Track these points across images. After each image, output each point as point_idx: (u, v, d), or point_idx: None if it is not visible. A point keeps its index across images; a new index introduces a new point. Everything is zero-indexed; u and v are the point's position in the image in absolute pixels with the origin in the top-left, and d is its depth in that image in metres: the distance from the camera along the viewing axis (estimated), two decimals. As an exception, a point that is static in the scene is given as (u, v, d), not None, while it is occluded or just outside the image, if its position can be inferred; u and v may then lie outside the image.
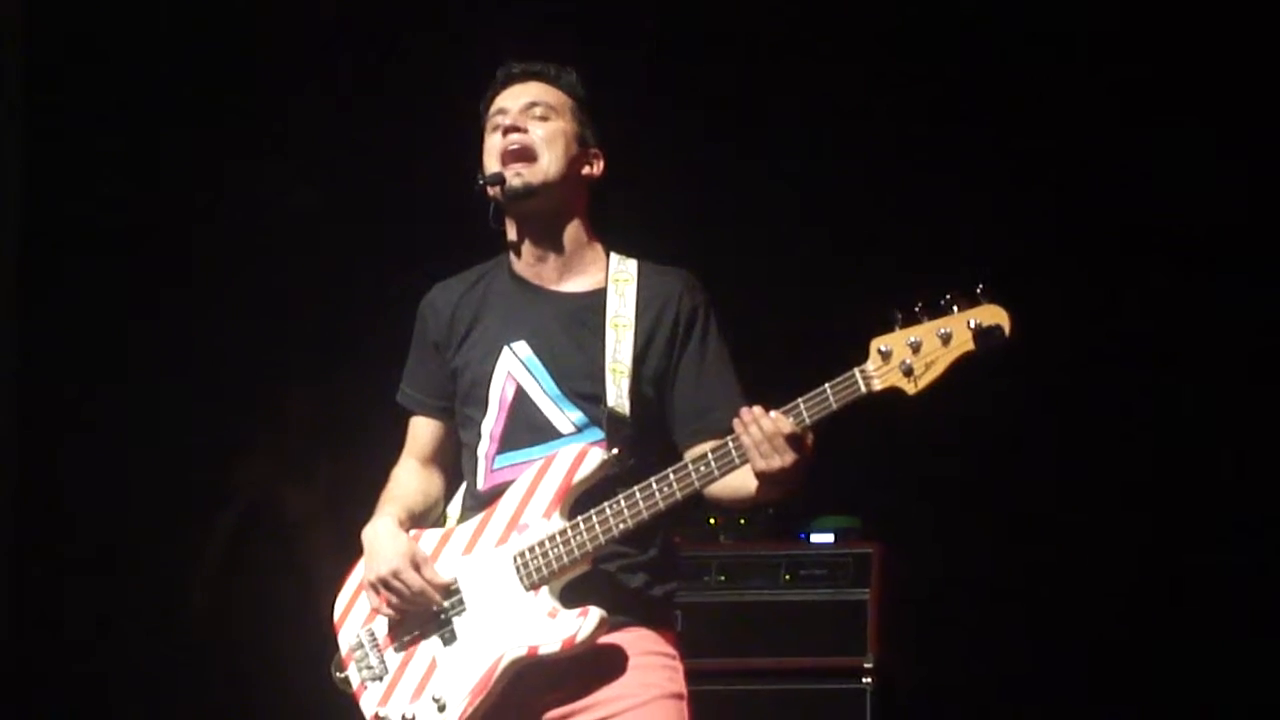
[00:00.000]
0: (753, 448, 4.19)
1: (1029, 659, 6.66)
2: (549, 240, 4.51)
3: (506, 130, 4.48)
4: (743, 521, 6.60)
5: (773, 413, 4.18)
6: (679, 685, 4.42)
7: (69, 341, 7.19)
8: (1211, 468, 6.67)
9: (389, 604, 4.41)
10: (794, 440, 4.17)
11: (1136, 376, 6.72)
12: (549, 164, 4.47)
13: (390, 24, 7.25)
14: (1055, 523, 6.72)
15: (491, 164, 4.50)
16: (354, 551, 4.56)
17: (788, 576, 6.43)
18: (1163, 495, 6.68)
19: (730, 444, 4.23)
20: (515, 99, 4.53)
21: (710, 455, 4.24)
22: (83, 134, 7.20)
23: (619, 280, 4.50)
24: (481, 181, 4.49)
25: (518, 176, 4.46)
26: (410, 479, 4.62)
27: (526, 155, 4.46)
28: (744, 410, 4.21)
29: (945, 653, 6.49)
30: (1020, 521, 6.73)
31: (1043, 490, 6.74)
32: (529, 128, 4.48)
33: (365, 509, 4.59)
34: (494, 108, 4.55)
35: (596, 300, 4.48)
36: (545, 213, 4.49)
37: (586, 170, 4.55)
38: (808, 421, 4.17)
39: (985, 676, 6.58)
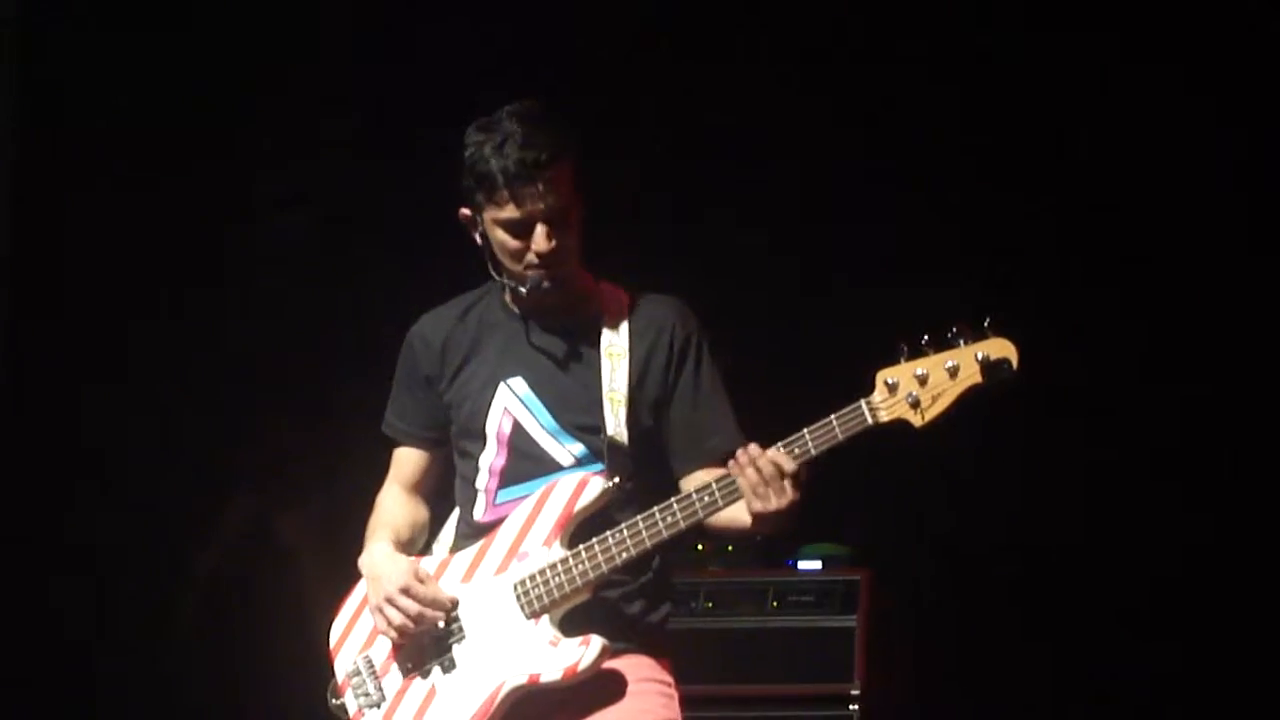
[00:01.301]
0: (749, 490, 4.21)
1: (1016, 686, 6.66)
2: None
3: (536, 268, 4.41)
4: (730, 549, 6.59)
5: (770, 450, 4.21)
6: (674, 713, 4.44)
7: (63, 349, 7.17)
8: (1203, 490, 6.68)
9: (395, 625, 4.42)
10: (792, 479, 4.19)
11: (1127, 402, 6.73)
12: (572, 262, 4.46)
13: (387, 60, 7.24)
14: (1043, 550, 6.72)
15: (512, 265, 4.44)
16: (347, 580, 4.58)
17: (775, 603, 6.41)
18: (1153, 520, 6.69)
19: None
20: (525, 206, 4.39)
21: (714, 485, 4.27)
22: (81, 147, 7.19)
23: (612, 311, 4.52)
24: (520, 296, 4.47)
25: (547, 282, 4.43)
26: (397, 507, 4.64)
27: (554, 266, 4.42)
28: (740, 452, 4.23)
29: (932, 679, 6.48)
30: (1007, 549, 6.73)
31: (1030, 517, 6.74)
32: (552, 242, 4.41)
33: (357, 536, 4.61)
34: (502, 215, 4.41)
35: (591, 331, 4.50)
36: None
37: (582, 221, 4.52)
38: (813, 453, 4.19)
39: (972, 703, 6.58)
